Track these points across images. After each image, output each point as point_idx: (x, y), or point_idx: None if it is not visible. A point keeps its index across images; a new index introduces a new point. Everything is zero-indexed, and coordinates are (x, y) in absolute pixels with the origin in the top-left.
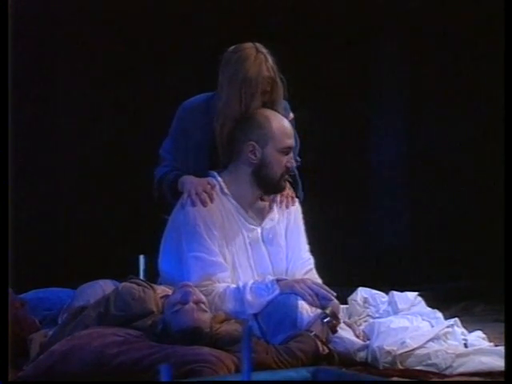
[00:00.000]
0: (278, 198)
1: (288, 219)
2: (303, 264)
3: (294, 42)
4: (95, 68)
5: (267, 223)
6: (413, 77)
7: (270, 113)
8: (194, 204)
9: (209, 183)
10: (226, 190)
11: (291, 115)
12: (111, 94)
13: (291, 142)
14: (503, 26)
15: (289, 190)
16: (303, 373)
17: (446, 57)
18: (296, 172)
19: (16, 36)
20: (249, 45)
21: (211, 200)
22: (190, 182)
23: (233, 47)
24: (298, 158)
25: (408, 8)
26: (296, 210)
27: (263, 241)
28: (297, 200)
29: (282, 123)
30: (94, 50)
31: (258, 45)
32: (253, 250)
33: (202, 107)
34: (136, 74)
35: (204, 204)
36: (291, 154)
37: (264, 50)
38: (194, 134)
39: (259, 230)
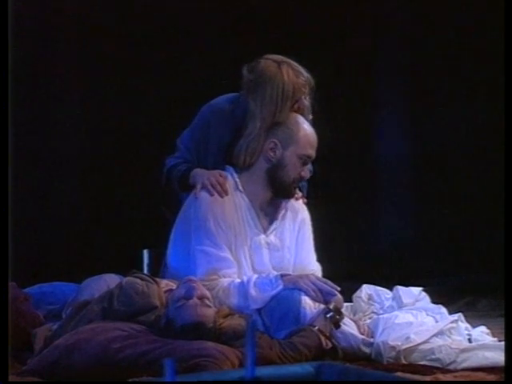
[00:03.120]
0: (289, 202)
1: (298, 228)
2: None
3: (293, 42)
4: (96, 67)
5: (274, 229)
6: (416, 75)
7: (300, 119)
8: (210, 194)
9: (220, 175)
10: (240, 187)
11: (310, 116)
12: (114, 88)
13: (313, 152)
14: (504, 24)
15: (299, 192)
16: (307, 367)
17: (448, 55)
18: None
19: (16, 36)
20: (266, 63)
21: (226, 192)
22: (201, 174)
23: (252, 71)
24: (311, 169)
25: (409, 9)
26: (306, 218)
27: (268, 248)
28: (305, 208)
29: (309, 132)
30: (95, 48)
31: (272, 57)
32: (256, 254)
33: (228, 109)
34: (138, 71)
35: (221, 195)
36: (309, 166)
37: (280, 58)
38: (217, 133)
39: (263, 236)
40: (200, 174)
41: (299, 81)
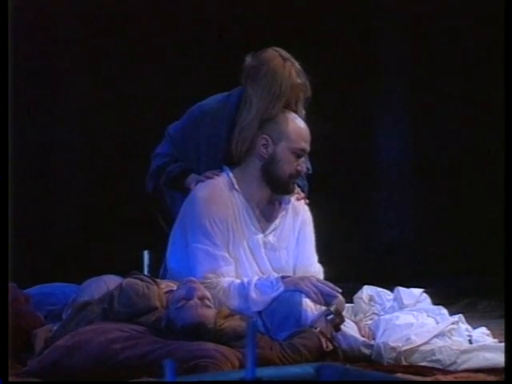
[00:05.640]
0: (291, 203)
1: (299, 228)
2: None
3: (293, 42)
4: (95, 67)
5: (272, 229)
6: (416, 77)
7: (290, 114)
8: (206, 185)
9: (213, 173)
10: (236, 186)
11: (303, 111)
12: (115, 88)
13: (306, 145)
14: (504, 24)
15: (301, 193)
16: (307, 368)
17: (448, 57)
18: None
19: (16, 36)
20: (272, 54)
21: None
22: (197, 176)
23: (257, 58)
24: (310, 167)
25: (410, 9)
26: (308, 219)
27: (265, 247)
28: (307, 208)
29: (299, 125)
30: (95, 48)
31: (280, 51)
32: (254, 254)
33: (218, 107)
34: (138, 72)
35: (218, 184)
36: (304, 159)
37: (287, 55)
38: (208, 133)
39: (261, 235)
40: (196, 177)
41: (298, 84)
